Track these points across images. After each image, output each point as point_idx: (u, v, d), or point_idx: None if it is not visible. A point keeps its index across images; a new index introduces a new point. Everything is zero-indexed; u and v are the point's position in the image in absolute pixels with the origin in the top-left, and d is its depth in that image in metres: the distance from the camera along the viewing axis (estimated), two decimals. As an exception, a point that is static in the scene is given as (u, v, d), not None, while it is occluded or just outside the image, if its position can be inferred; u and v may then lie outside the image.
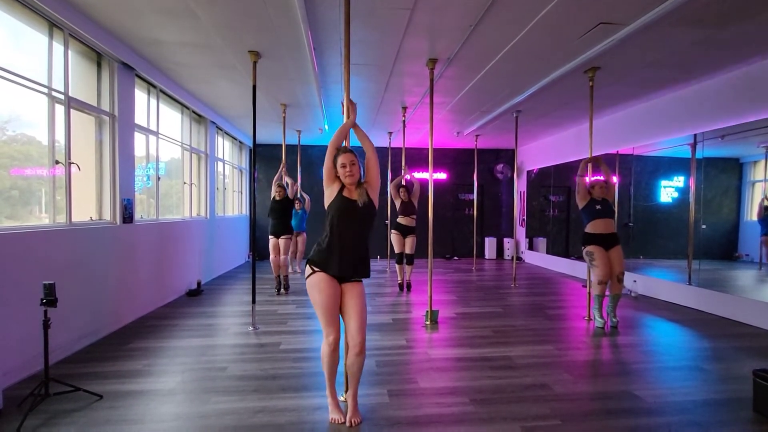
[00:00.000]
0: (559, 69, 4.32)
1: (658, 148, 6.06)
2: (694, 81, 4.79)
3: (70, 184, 3.36)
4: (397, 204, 5.83)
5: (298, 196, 7.02)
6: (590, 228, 4.11)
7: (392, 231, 5.83)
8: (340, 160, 2.22)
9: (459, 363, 3.12)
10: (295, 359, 3.15)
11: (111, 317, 3.83)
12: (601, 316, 4.09)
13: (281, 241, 5.60)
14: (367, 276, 2.25)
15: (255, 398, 2.50)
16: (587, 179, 4.26)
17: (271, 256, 5.60)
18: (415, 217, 5.74)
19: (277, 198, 5.59)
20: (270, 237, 5.64)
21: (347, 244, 2.15)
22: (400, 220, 5.75)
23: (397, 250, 5.75)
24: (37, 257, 2.92)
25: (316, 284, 2.16)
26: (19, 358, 2.74)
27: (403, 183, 5.88)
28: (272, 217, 5.64)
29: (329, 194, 2.25)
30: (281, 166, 5.80)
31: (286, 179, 5.76)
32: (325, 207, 2.25)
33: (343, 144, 2.38)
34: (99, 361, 3.11)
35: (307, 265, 2.22)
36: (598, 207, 4.09)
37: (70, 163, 3.37)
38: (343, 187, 2.24)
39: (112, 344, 3.49)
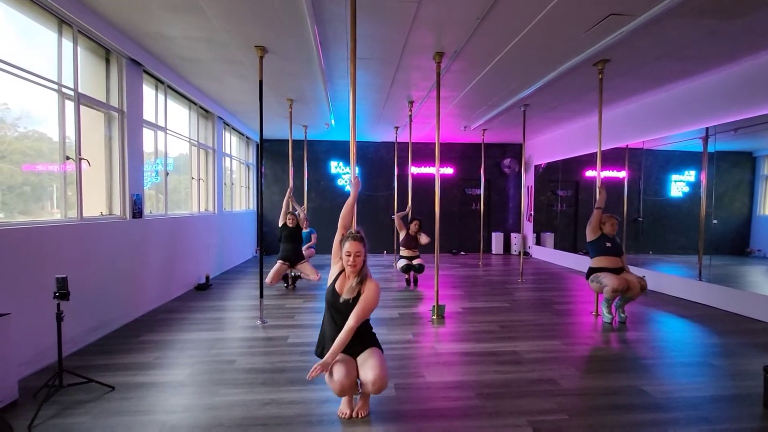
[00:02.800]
0: (568, 62, 4.26)
1: (668, 142, 5.97)
2: (706, 73, 4.69)
3: (80, 179, 3.41)
4: (402, 234, 5.91)
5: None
6: (596, 263, 4.07)
7: (400, 259, 5.93)
8: (347, 246, 2.22)
9: (466, 357, 3.13)
10: (302, 353, 3.17)
11: (122, 310, 3.89)
12: (610, 312, 4.06)
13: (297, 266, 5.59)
14: (370, 345, 2.27)
15: (263, 391, 2.53)
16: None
17: (275, 273, 5.34)
18: (417, 251, 5.84)
19: (289, 225, 5.57)
20: (280, 262, 5.45)
21: (335, 335, 2.19)
22: (403, 252, 5.86)
23: (405, 271, 5.81)
24: (49, 252, 2.98)
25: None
26: (34, 349, 2.80)
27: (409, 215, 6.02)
28: (284, 243, 5.55)
29: (332, 273, 2.33)
30: (288, 191, 5.72)
31: (296, 208, 5.74)
32: (327, 283, 2.34)
33: (354, 233, 2.30)
34: (111, 353, 3.16)
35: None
36: (608, 245, 4.03)
37: (80, 159, 3.42)
38: (341, 273, 2.27)
39: (123, 337, 3.55)
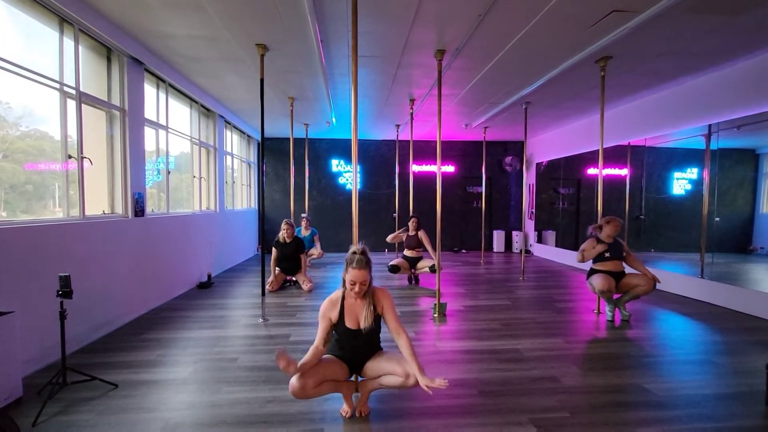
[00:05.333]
0: (570, 59, 4.25)
1: (671, 139, 5.95)
2: (710, 70, 4.67)
3: (82, 178, 3.42)
4: (403, 237, 5.85)
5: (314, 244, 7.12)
6: (598, 266, 4.03)
7: (400, 258, 5.84)
8: (351, 275, 2.01)
9: (467, 355, 3.13)
10: (304, 351, 3.14)
11: (124, 309, 3.91)
12: (612, 310, 4.06)
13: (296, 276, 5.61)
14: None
15: (266, 388, 2.54)
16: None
17: (276, 281, 5.43)
18: (420, 250, 5.78)
19: (287, 240, 5.46)
20: (278, 269, 5.50)
21: (356, 357, 2.17)
22: (407, 253, 5.81)
23: (400, 272, 5.71)
24: (52, 250, 2.99)
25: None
26: (38, 347, 2.81)
27: (411, 229, 5.78)
28: (281, 260, 5.49)
29: (324, 327, 2.15)
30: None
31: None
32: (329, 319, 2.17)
33: (357, 256, 2.05)
34: (114, 351, 3.18)
35: None
36: (606, 255, 3.96)
37: (82, 158, 3.42)
38: (342, 309, 2.11)
39: (126, 335, 3.56)
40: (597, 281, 3.90)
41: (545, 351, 3.21)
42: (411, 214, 6.01)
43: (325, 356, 2.15)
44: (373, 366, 2.15)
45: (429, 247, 5.61)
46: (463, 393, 2.49)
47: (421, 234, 5.69)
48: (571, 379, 2.68)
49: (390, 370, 2.06)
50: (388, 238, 5.93)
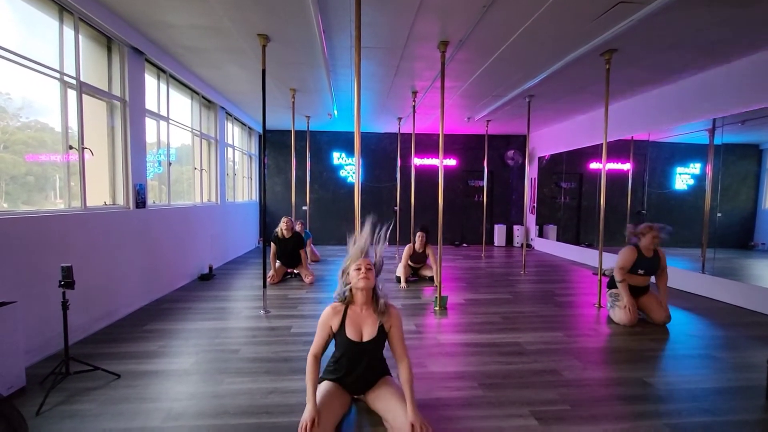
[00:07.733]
0: (575, 51, 4.20)
1: (674, 134, 5.92)
2: (715, 64, 4.62)
3: (83, 169, 3.41)
4: (409, 259, 5.57)
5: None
6: (626, 277, 3.78)
7: (404, 265, 5.47)
8: (354, 264, 1.97)
9: (468, 348, 3.14)
10: (305, 342, 3.19)
11: (126, 300, 3.92)
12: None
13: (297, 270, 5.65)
14: (385, 374, 2.14)
15: (267, 379, 2.55)
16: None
17: (277, 274, 5.44)
18: (427, 263, 5.63)
19: (286, 235, 5.45)
20: (279, 262, 5.55)
21: (357, 382, 2.06)
22: (411, 263, 5.58)
23: (401, 275, 5.40)
24: (54, 241, 2.99)
25: (322, 388, 1.99)
26: (40, 337, 2.83)
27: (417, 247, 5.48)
28: (282, 255, 5.52)
29: (324, 336, 2.04)
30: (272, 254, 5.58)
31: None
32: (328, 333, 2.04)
33: (365, 249, 2.00)
34: (116, 341, 3.19)
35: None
36: (641, 272, 3.72)
37: (83, 149, 3.41)
38: (344, 318, 1.99)
39: (128, 326, 3.58)
40: (620, 316, 3.72)
41: (546, 344, 3.22)
42: (420, 227, 5.46)
43: (324, 392, 1.95)
44: (379, 402, 2.00)
45: (434, 267, 5.24)
46: (464, 385, 2.50)
47: (429, 251, 5.40)
48: (571, 373, 2.69)
49: (397, 415, 1.88)
50: (399, 273, 5.44)
